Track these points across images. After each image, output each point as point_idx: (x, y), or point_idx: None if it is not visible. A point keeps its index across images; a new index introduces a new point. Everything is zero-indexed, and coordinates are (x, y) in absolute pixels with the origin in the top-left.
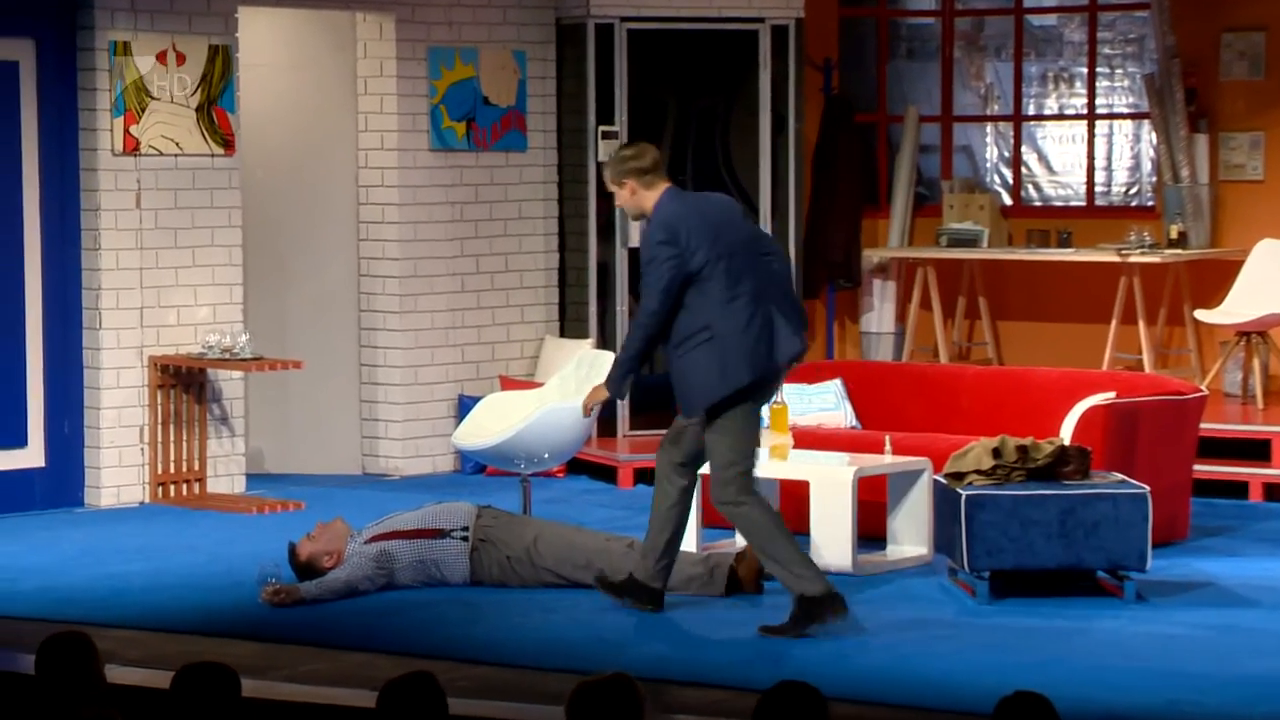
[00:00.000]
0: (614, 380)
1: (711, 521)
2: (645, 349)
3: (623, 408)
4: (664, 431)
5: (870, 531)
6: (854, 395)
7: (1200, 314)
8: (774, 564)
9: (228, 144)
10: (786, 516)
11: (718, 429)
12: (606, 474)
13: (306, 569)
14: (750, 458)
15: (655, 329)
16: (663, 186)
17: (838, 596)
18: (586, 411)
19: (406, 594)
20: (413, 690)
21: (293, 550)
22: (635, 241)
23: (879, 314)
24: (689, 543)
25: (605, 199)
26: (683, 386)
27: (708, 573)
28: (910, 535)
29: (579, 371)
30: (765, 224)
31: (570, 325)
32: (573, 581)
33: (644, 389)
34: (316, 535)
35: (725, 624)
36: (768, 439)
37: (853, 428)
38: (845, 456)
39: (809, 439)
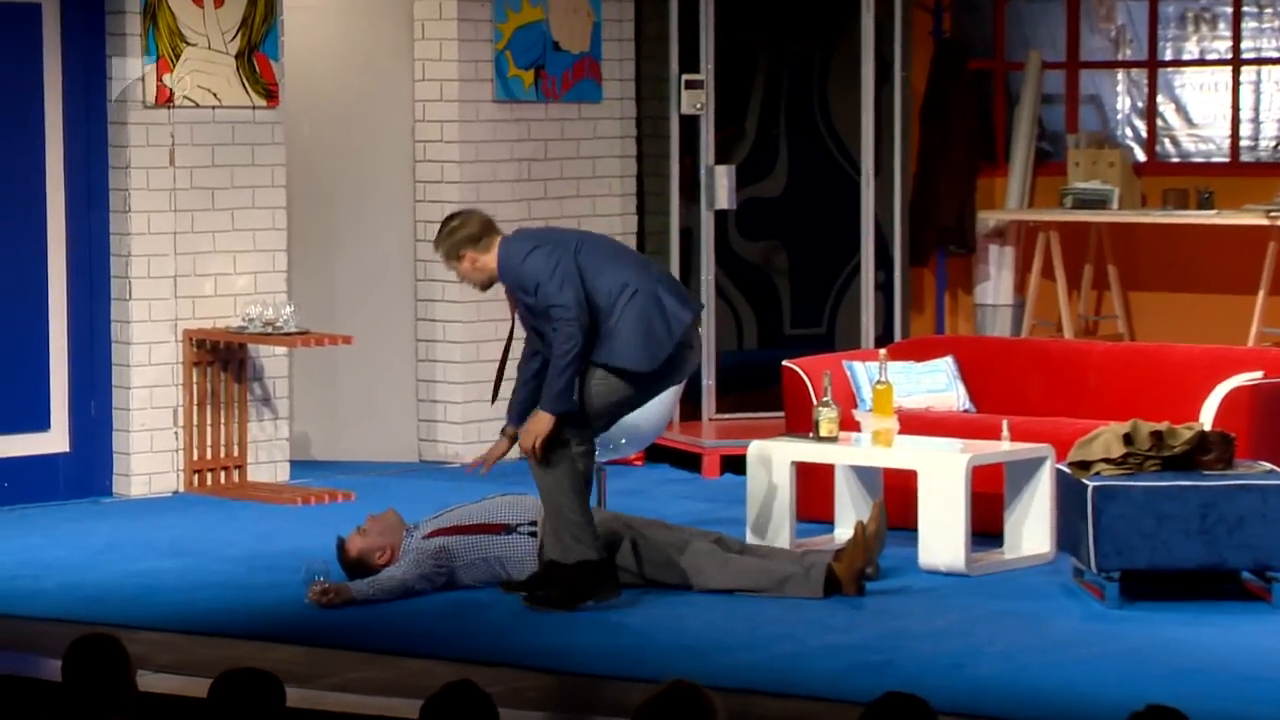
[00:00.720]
0: (557, 397)
1: (807, 515)
2: (583, 347)
3: (709, 388)
4: (755, 415)
5: (985, 527)
6: (967, 374)
7: None
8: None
9: (270, 94)
10: (891, 510)
11: (601, 382)
12: (690, 462)
13: (357, 566)
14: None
15: (580, 320)
16: (497, 240)
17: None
18: (533, 454)
19: (467, 595)
20: (454, 703)
21: (342, 546)
22: (723, 203)
23: (996, 284)
24: (782, 538)
25: (689, 155)
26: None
27: (804, 572)
28: (1030, 531)
29: None
30: (868, 184)
31: None
32: (651, 581)
33: (732, 367)
34: (368, 529)
35: (822, 629)
36: (870, 423)
37: (966, 411)
38: (957, 443)
39: (916, 423)
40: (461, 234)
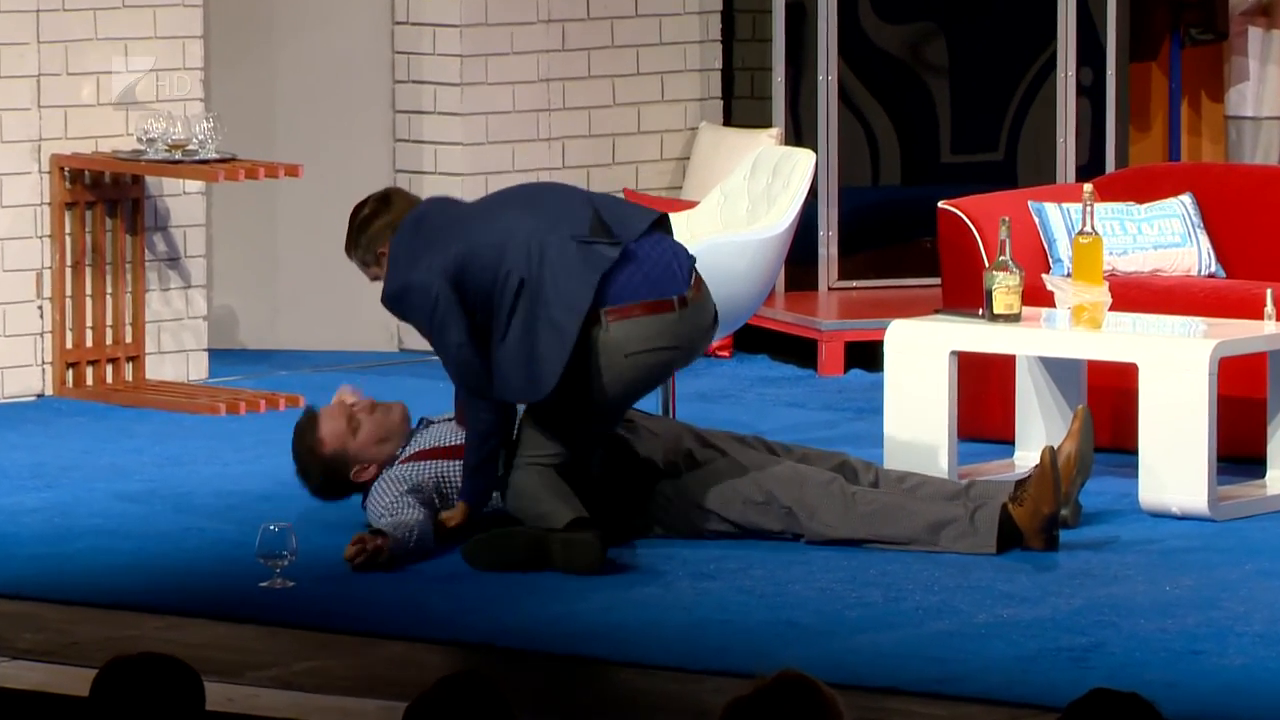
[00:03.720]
0: (473, 491)
1: (973, 430)
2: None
3: (827, 240)
4: (897, 283)
5: (1239, 449)
6: (1212, 222)
7: None
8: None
9: None
10: (1099, 423)
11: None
12: (800, 351)
13: (323, 470)
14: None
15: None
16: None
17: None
18: (455, 521)
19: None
20: (453, 706)
21: (310, 425)
22: None
23: (1258, 87)
24: (937, 465)
25: None
26: None
27: (968, 515)
28: None
29: (756, 182)
30: None
31: (741, 106)
32: (745, 527)
33: (863, 212)
34: (358, 413)
35: (995, 598)
36: (1070, 293)
37: (1211, 275)
38: (1198, 323)
39: (1137, 293)
40: (376, 225)
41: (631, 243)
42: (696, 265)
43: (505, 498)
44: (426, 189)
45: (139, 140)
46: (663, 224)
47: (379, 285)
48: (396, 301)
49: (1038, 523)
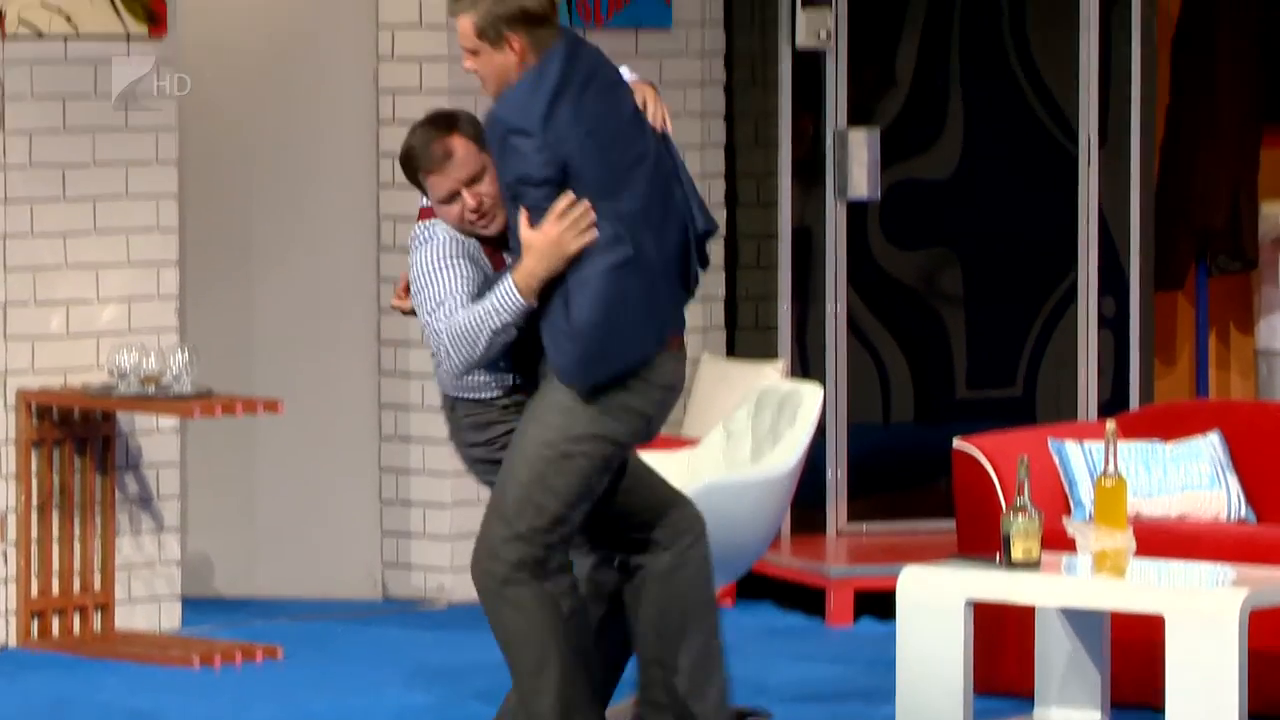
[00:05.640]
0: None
1: (991, 685)
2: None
3: (835, 482)
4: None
5: (1273, 707)
6: (1242, 462)
7: None
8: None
9: (154, 18)
10: (1122, 675)
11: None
12: (807, 600)
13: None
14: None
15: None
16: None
17: None
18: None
19: None
20: None
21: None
22: (862, 189)
23: None
24: None
25: (809, 113)
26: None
27: None
28: None
29: (760, 419)
30: (1089, 160)
31: (745, 337)
32: None
33: (874, 452)
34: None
35: None
36: (1092, 539)
37: (1241, 520)
38: (1228, 571)
39: (1164, 538)
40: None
41: None
42: (697, 505)
43: (492, 623)
44: (414, 426)
45: (110, 374)
46: None
47: (364, 508)
48: (501, 139)
49: None
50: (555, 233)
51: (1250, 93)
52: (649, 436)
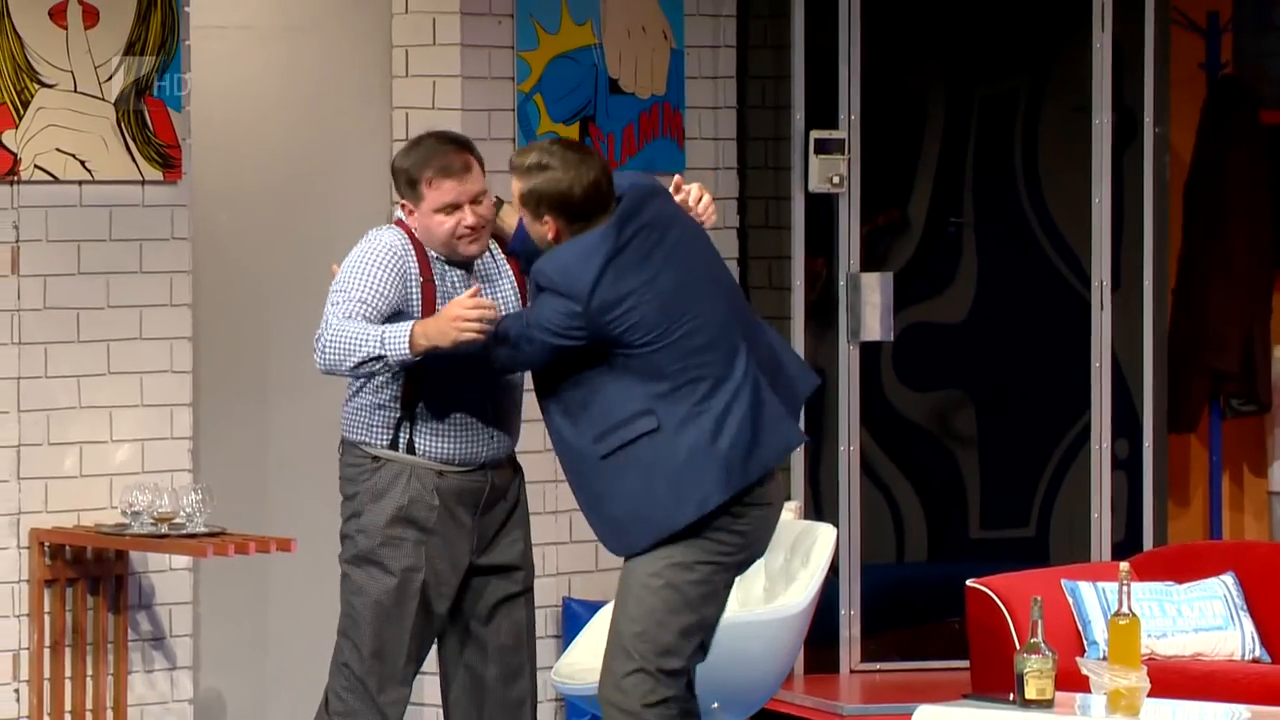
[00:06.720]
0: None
1: None
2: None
3: (849, 620)
4: (923, 666)
5: None
6: (1256, 603)
7: None
8: None
9: (170, 163)
10: None
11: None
12: None
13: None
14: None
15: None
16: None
17: None
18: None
19: None
20: None
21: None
22: (875, 331)
23: None
24: None
25: (821, 256)
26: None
27: None
28: None
29: (774, 558)
30: (1102, 303)
31: None
32: None
33: (887, 591)
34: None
35: None
36: (1106, 678)
37: (1255, 660)
38: (1242, 711)
39: (1179, 678)
40: (555, 187)
41: None
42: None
43: None
44: None
45: (123, 513)
46: None
47: None
48: (543, 273)
49: None
50: (451, 314)
51: (1262, 236)
52: (751, 552)
